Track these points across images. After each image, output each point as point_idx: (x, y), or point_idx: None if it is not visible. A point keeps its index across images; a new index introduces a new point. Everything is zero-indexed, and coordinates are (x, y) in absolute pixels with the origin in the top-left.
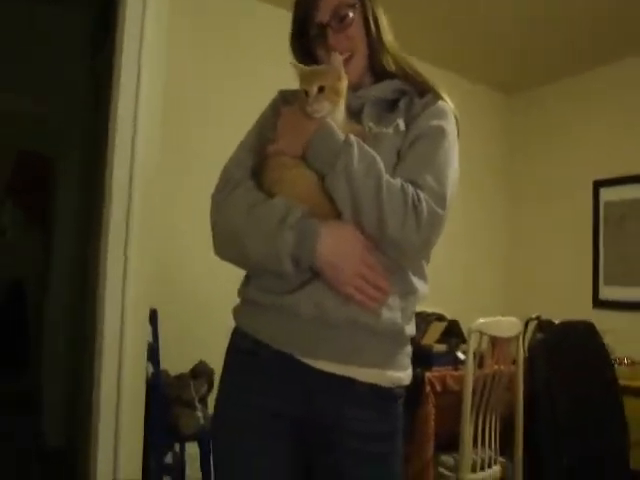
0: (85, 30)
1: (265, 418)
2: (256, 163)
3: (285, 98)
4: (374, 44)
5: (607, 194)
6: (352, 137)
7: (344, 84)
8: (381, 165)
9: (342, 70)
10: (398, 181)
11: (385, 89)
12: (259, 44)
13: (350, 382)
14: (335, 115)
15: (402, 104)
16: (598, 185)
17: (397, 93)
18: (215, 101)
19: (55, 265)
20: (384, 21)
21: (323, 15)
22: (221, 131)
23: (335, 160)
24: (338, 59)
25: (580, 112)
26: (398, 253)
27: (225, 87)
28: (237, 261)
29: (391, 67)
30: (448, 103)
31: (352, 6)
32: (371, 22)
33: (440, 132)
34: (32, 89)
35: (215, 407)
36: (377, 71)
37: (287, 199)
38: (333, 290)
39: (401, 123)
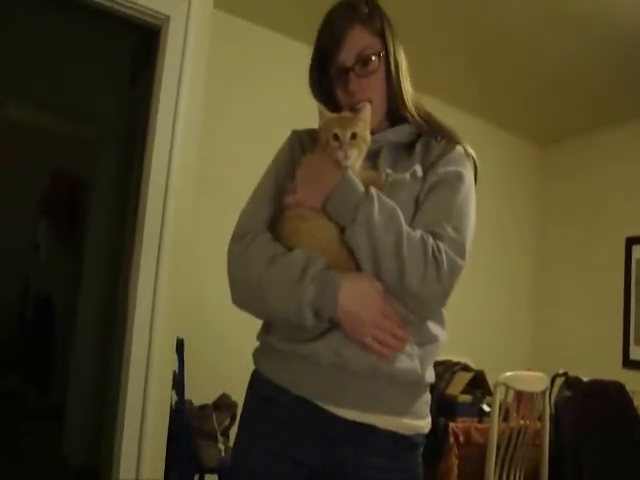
0: (126, 58)
1: (285, 466)
2: (273, 213)
3: (300, 138)
4: (394, 90)
5: None
6: (373, 190)
7: (367, 133)
8: (401, 218)
9: (367, 121)
10: (418, 233)
11: (401, 132)
12: (297, 82)
13: (371, 430)
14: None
15: (419, 148)
16: (631, 242)
17: (413, 136)
18: (251, 135)
19: (85, 286)
20: (404, 66)
21: (347, 57)
22: (254, 165)
23: (355, 214)
24: (368, 110)
25: (613, 166)
26: (418, 305)
27: (260, 122)
28: (257, 313)
29: (412, 113)
30: (467, 149)
31: (377, 53)
32: (392, 69)
33: (457, 178)
34: (71, 112)
35: (234, 451)
36: (394, 115)
37: (306, 251)
38: (353, 340)
39: (418, 169)
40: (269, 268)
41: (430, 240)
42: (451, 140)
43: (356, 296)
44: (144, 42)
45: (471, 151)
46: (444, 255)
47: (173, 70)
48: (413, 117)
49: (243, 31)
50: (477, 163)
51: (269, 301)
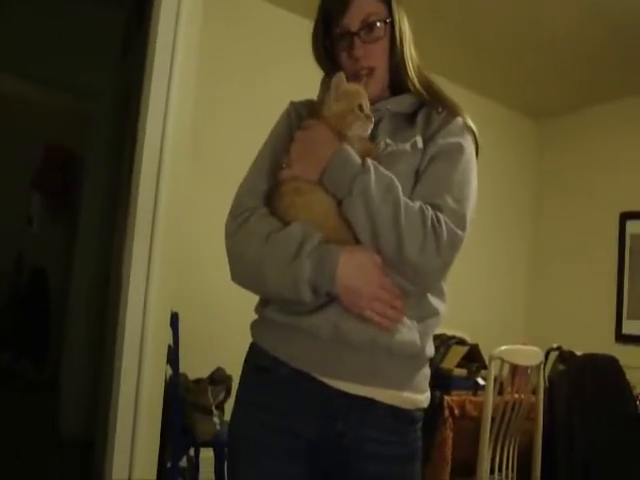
0: (119, 28)
1: (283, 439)
2: (270, 187)
3: (298, 110)
4: (397, 58)
5: (634, 227)
6: (369, 161)
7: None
8: (399, 189)
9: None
10: (417, 204)
11: (403, 102)
12: (293, 54)
13: (370, 403)
14: (349, 134)
15: (420, 118)
16: (625, 217)
17: (415, 106)
18: (246, 108)
19: (78, 258)
20: (409, 35)
21: (352, 22)
22: (249, 138)
23: (352, 185)
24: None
25: (610, 142)
26: (418, 276)
27: (255, 93)
28: (255, 289)
29: (413, 83)
30: (467, 121)
31: (383, 20)
32: (397, 38)
33: (458, 149)
34: (64, 84)
35: (232, 423)
36: (396, 84)
37: (303, 225)
38: (351, 313)
39: (419, 140)
40: (265, 245)
41: (429, 211)
42: (451, 111)
43: (354, 269)
44: (136, 10)
45: (471, 124)
46: (444, 226)
47: (166, 41)
48: (415, 87)
49: (237, 2)
50: (477, 136)
51: (266, 278)
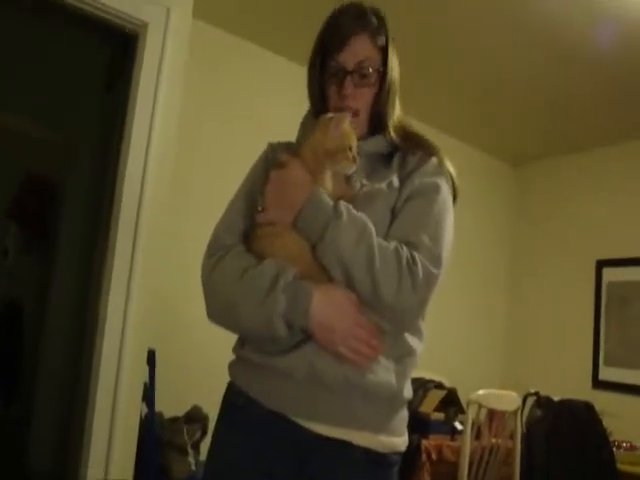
0: (103, 62)
1: (256, 479)
2: (247, 227)
3: (276, 151)
4: (381, 107)
5: (610, 274)
6: (342, 206)
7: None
8: (372, 231)
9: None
10: (392, 244)
11: (379, 143)
12: (273, 94)
13: (345, 446)
14: (325, 176)
15: (396, 159)
16: (601, 265)
17: (391, 147)
18: (226, 145)
19: (55, 293)
20: (397, 84)
21: (347, 60)
22: (229, 176)
23: (324, 232)
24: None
25: (586, 190)
26: (395, 316)
27: (236, 132)
28: (231, 327)
29: (389, 132)
30: (444, 162)
31: (376, 69)
32: (386, 87)
33: (434, 189)
34: (42, 114)
35: (206, 462)
36: (373, 125)
37: (277, 261)
38: (327, 351)
39: (395, 179)
40: (240, 281)
41: (405, 251)
42: (427, 152)
43: (329, 305)
44: (122, 48)
45: (448, 164)
46: (419, 265)
47: (150, 77)
48: (390, 135)
49: (221, 41)
50: (454, 177)
51: (241, 316)
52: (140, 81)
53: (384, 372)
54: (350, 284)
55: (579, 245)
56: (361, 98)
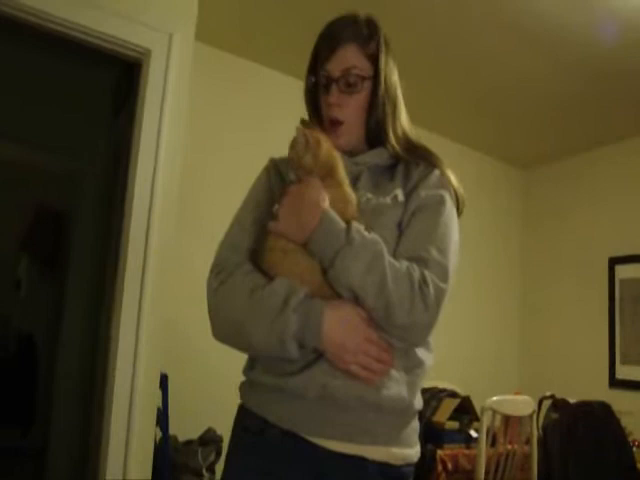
0: (108, 91)
1: None
2: (252, 244)
3: (277, 166)
4: (377, 116)
5: (623, 271)
6: (354, 231)
7: (308, 159)
8: (385, 255)
9: (306, 144)
10: (404, 265)
11: (381, 155)
12: (281, 114)
13: (360, 462)
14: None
15: (399, 172)
16: (614, 262)
17: (393, 159)
18: (234, 166)
19: (67, 323)
20: (397, 94)
21: (333, 69)
22: (237, 197)
23: (335, 259)
24: (300, 132)
25: (595, 189)
26: (406, 335)
27: (244, 153)
28: (238, 346)
29: (390, 142)
30: (447, 173)
31: (363, 78)
32: (380, 94)
33: (439, 201)
34: (50, 146)
35: None
36: (372, 138)
37: (288, 280)
38: (338, 369)
39: (400, 193)
40: (249, 301)
41: (416, 272)
42: (430, 164)
43: (339, 323)
44: (126, 75)
45: (451, 176)
46: (431, 285)
47: (155, 104)
48: (391, 145)
49: (225, 63)
50: (457, 190)
51: (251, 335)
52: (145, 107)
53: (396, 385)
54: (361, 306)
55: (591, 243)
56: (347, 105)
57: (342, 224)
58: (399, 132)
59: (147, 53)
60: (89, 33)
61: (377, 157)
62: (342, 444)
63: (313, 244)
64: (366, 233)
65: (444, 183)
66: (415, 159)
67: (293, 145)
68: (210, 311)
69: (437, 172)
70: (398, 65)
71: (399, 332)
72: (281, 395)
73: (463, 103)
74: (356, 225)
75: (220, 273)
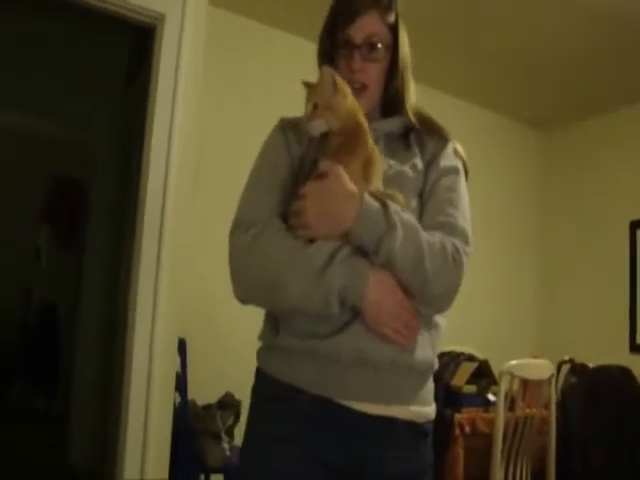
0: (123, 58)
1: (307, 469)
2: (277, 202)
3: (291, 126)
4: (397, 84)
5: None
6: (393, 214)
7: (340, 100)
8: (421, 232)
9: (338, 84)
10: (437, 238)
11: (395, 124)
12: (295, 77)
13: (391, 422)
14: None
15: (413, 142)
16: (635, 226)
17: (404, 128)
18: (249, 130)
19: (86, 291)
20: (409, 62)
21: (356, 35)
22: (251, 161)
23: (379, 247)
24: (328, 72)
25: (616, 151)
26: (437, 304)
27: (258, 117)
28: (269, 305)
29: (407, 110)
30: (456, 146)
31: (386, 44)
32: (399, 64)
33: (456, 171)
34: (67, 116)
35: (247, 458)
36: (386, 106)
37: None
38: (372, 332)
39: (419, 162)
40: (291, 254)
41: (448, 243)
42: (443, 137)
43: (381, 284)
44: (140, 42)
45: (460, 149)
46: (462, 253)
47: (169, 69)
48: (408, 113)
49: (239, 27)
50: (466, 162)
51: (289, 290)
52: (160, 72)
53: (422, 348)
54: (398, 280)
55: (611, 206)
56: (369, 72)
57: (377, 206)
58: (413, 102)
59: (161, 18)
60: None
61: (392, 125)
62: (374, 406)
63: (355, 237)
64: (402, 212)
65: (457, 155)
66: (427, 130)
67: (317, 87)
68: (237, 269)
69: (451, 145)
70: (417, 27)
71: (431, 301)
72: (312, 359)
73: (478, 62)
74: (393, 206)
75: (250, 228)
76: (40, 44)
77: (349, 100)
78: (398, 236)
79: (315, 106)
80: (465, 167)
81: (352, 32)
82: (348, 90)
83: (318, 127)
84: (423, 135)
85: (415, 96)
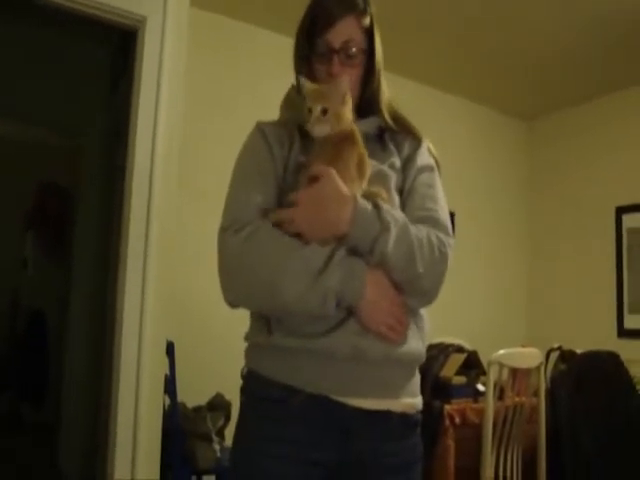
0: (106, 63)
1: (300, 470)
2: (263, 203)
3: (262, 129)
4: (373, 88)
5: (630, 220)
6: (386, 215)
7: (346, 110)
8: (410, 229)
9: (347, 96)
10: (423, 232)
11: (371, 124)
12: (277, 76)
13: (386, 415)
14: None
15: (388, 141)
16: (621, 211)
17: (379, 129)
18: (233, 130)
19: (74, 296)
20: (382, 63)
21: (334, 39)
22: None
23: (374, 246)
24: (345, 84)
25: (601, 138)
26: (426, 298)
27: (242, 117)
28: (263, 307)
29: (382, 112)
30: (429, 145)
31: (362, 49)
32: (375, 68)
33: (432, 170)
34: (52, 122)
35: (238, 460)
36: (362, 108)
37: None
38: (365, 329)
39: (396, 161)
40: (289, 258)
41: (434, 237)
42: (417, 136)
43: (377, 286)
44: (123, 46)
45: (432, 148)
46: (446, 245)
47: (152, 72)
48: (384, 115)
49: (221, 27)
50: (437, 159)
51: (285, 291)
52: (142, 75)
53: (414, 340)
54: (389, 275)
55: (597, 193)
56: (347, 76)
57: (370, 207)
58: (387, 102)
59: (143, 20)
60: (85, 3)
61: (368, 126)
62: (370, 401)
63: (350, 238)
64: (392, 210)
65: (431, 153)
66: (401, 129)
67: (328, 93)
68: (230, 271)
69: (425, 144)
70: (405, 22)
71: (421, 295)
72: (308, 358)
73: (461, 54)
74: (385, 206)
75: (242, 230)
76: (21, 49)
77: (349, 109)
78: (392, 236)
79: (325, 111)
80: (437, 164)
81: (330, 37)
82: (350, 100)
83: (323, 131)
84: (397, 134)
85: (388, 91)
